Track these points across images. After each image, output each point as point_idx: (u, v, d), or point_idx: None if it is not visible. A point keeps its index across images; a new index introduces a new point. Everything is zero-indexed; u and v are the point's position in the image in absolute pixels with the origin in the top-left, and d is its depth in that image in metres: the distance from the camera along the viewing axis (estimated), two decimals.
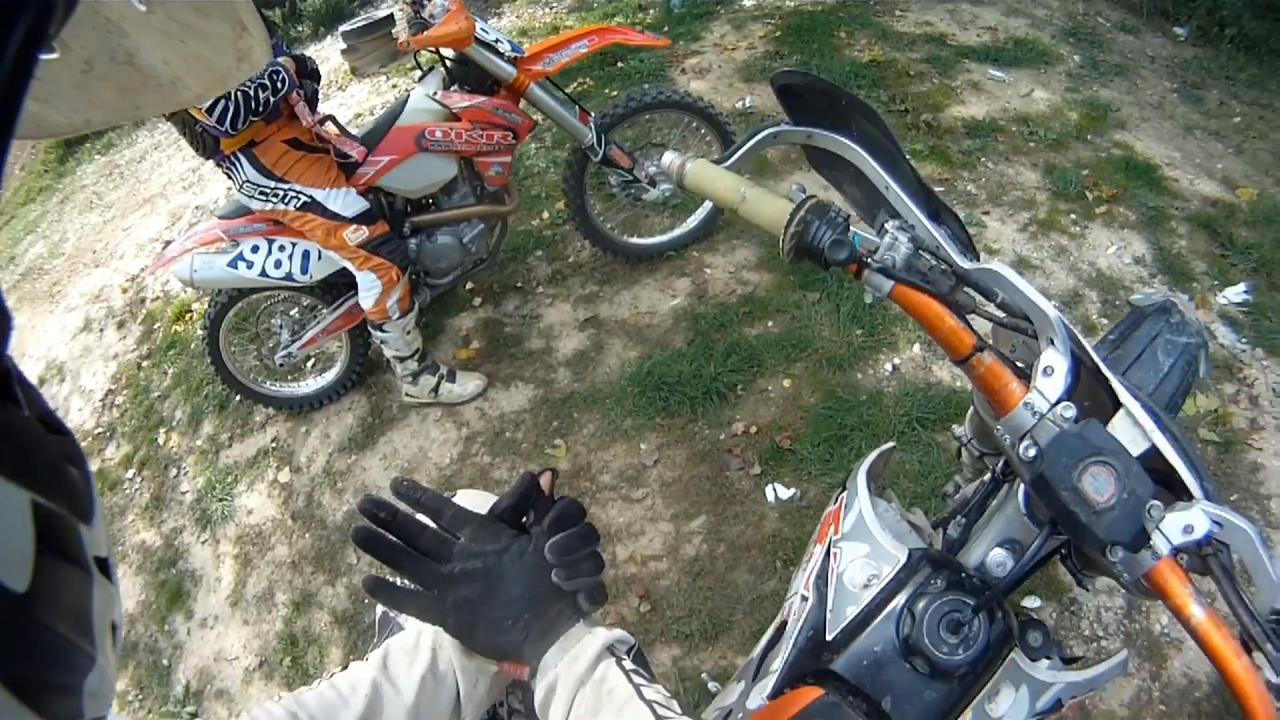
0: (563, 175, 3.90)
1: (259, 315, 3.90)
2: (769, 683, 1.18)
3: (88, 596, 0.35)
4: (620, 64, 5.85)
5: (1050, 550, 1.15)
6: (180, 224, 6.12)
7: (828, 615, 1.16)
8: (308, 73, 3.27)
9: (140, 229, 6.42)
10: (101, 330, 5.49)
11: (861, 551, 1.18)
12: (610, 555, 3.18)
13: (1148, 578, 0.94)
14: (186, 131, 3.10)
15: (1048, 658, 1.12)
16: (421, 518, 0.94)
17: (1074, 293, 3.84)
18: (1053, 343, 0.99)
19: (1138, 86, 5.55)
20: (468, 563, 0.89)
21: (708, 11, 6.51)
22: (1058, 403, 0.97)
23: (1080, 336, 1.00)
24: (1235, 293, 3.85)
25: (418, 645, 0.98)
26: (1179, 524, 0.92)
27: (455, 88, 3.45)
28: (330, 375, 4.08)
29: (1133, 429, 0.97)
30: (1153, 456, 0.96)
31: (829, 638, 1.13)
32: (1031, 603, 2.86)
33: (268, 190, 3.21)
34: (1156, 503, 0.92)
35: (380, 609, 1.31)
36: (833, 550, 1.23)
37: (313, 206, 3.25)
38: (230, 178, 3.26)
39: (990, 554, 1.16)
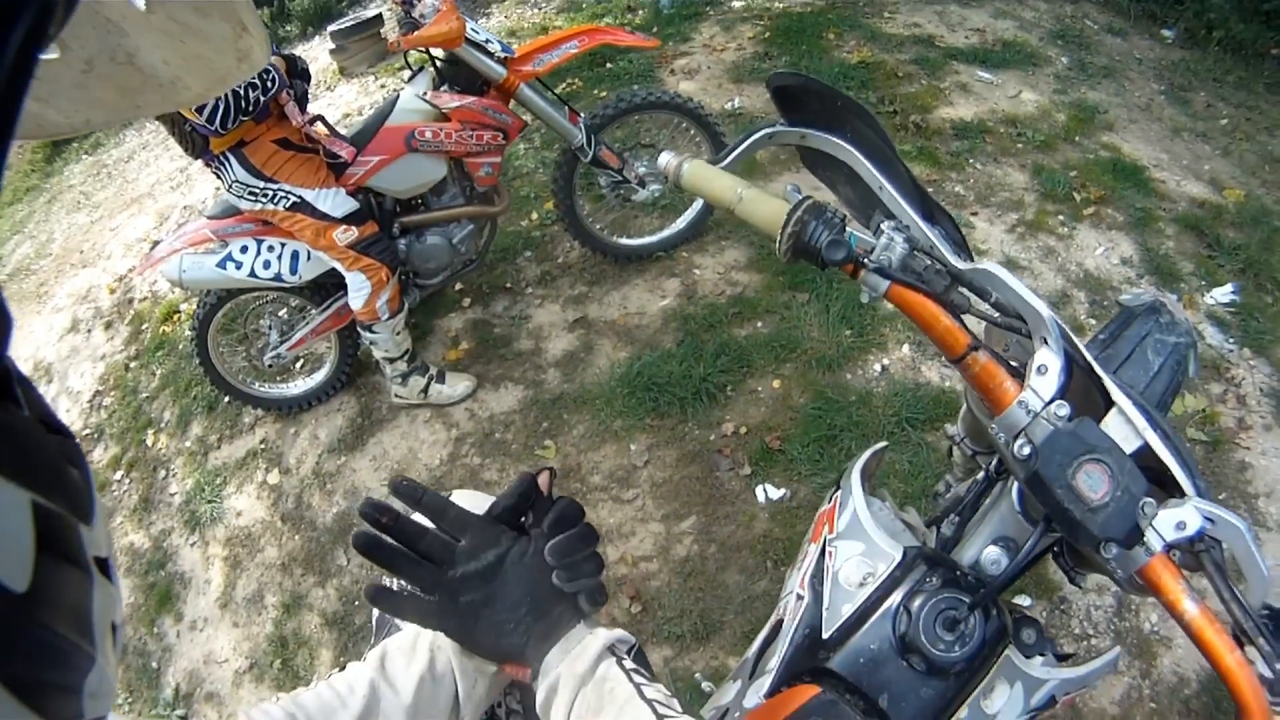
0: (552, 176, 3.89)
1: (248, 316, 3.88)
2: (765, 681, 1.19)
3: (88, 597, 0.35)
4: (609, 65, 5.85)
5: (1044, 548, 1.16)
6: (168, 224, 6.09)
7: (824, 613, 1.16)
8: (298, 72, 3.26)
9: (128, 229, 6.38)
10: (89, 331, 5.46)
11: (857, 550, 1.19)
12: (601, 556, 3.18)
13: (1141, 574, 0.95)
14: (175, 131, 3.08)
15: (1041, 655, 1.12)
16: (419, 518, 0.94)
17: (1062, 293, 3.86)
18: (1046, 342, 0.99)
19: (1125, 88, 5.57)
20: (469, 566, 0.89)
21: (697, 13, 6.51)
22: (1051, 401, 0.97)
23: (1072, 335, 1.01)
24: (1222, 293, 3.88)
25: (415, 646, 0.97)
26: (1172, 520, 0.93)
27: (445, 88, 3.45)
28: (319, 376, 4.06)
29: (1125, 427, 0.98)
30: (1145, 454, 0.97)
31: (825, 636, 1.14)
32: (1022, 601, 2.87)
33: (257, 190, 3.20)
34: (1150, 500, 0.93)
35: (377, 612, 1.31)
36: (828, 549, 1.23)
37: (302, 207, 3.24)
38: (219, 177, 3.24)
39: (984, 552, 1.17)
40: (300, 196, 3.23)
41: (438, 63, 3.49)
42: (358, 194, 3.40)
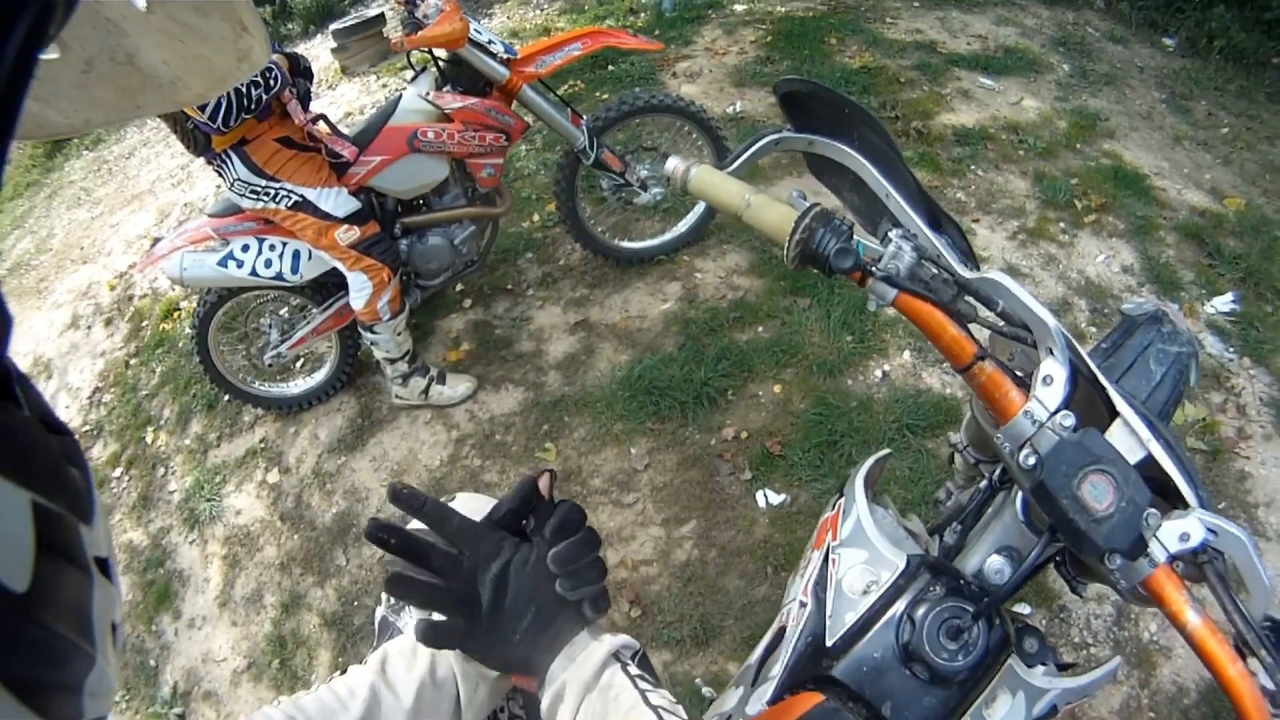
0: (554, 178, 3.89)
1: (248, 314, 3.88)
2: (768, 688, 1.19)
3: (88, 597, 0.35)
4: (611, 67, 5.85)
5: (1046, 557, 1.16)
6: (169, 221, 6.09)
7: (827, 621, 1.16)
8: (300, 71, 3.26)
9: (129, 225, 6.38)
10: (89, 327, 5.46)
11: (860, 558, 1.19)
12: (604, 561, 3.17)
13: (1144, 585, 0.95)
14: (177, 128, 3.08)
15: (1043, 664, 1.12)
16: (415, 524, 0.94)
17: (1063, 301, 3.86)
18: (1052, 352, 0.99)
19: (1126, 96, 5.58)
20: (476, 581, 0.88)
21: (699, 16, 6.51)
22: (1057, 411, 0.98)
23: (1078, 345, 1.01)
24: (1223, 302, 3.88)
25: (417, 649, 0.97)
26: (1175, 532, 0.93)
27: (447, 89, 3.44)
28: (320, 376, 4.06)
29: (1129, 437, 0.98)
30: (1148, 464, 0.97)
31: (829, 644, 1.14)
32: (1022, 609, 2.87)
33: (259, 189, 3.20)
34: (1154, 511, 0.93)
35: (380, 612, 1.31)
36: (831, 556, 1.23)
37: (304, 206, 3.24)
38: (221, 175, 3.24)
39: (988, 561, 1.17)
40: (302, 195, 3.23)
41: (440, 63, 3.49)
42: (359, 194, 3.40)
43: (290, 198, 3.22)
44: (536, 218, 4.72)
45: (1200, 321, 3.80)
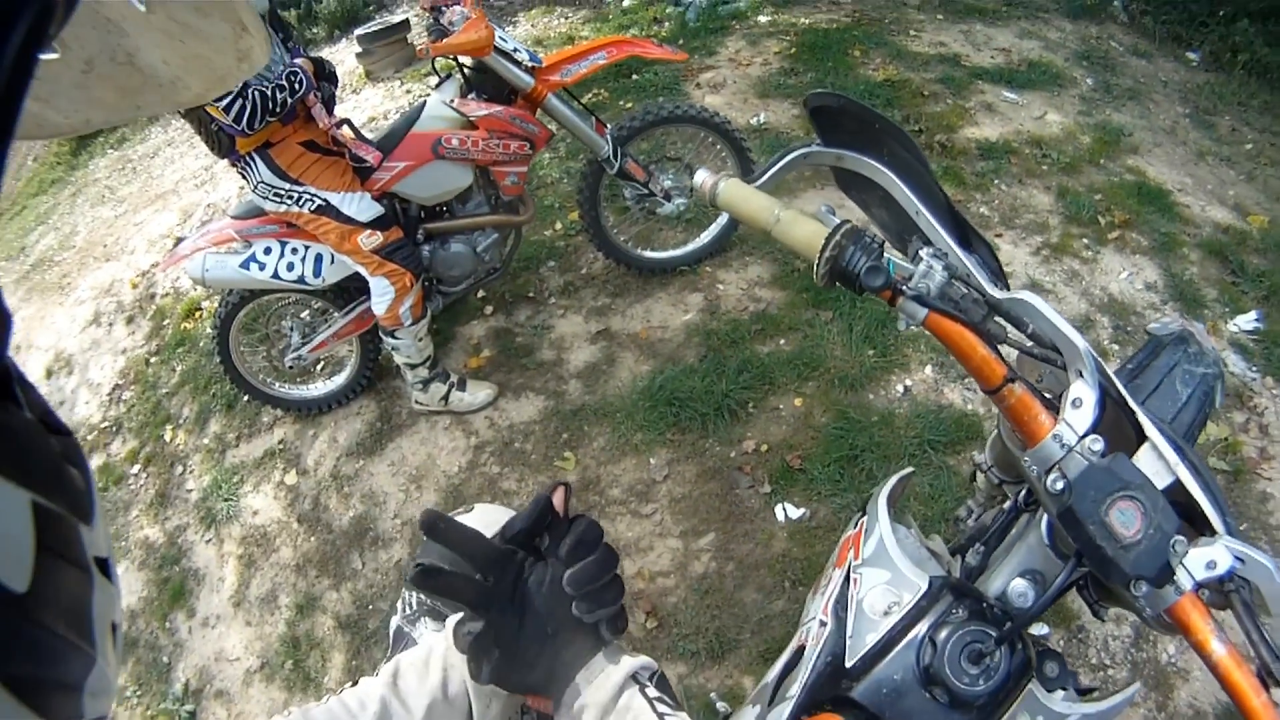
0: (577, 186, 3.90)
1: (270, 316, 3.90)
2: (786, 709, 1.18)
3: (88, 597, 0.35)
4: (635, 76, 5.86)
5: (1071, 581, 1.15)
6: (192, 221, 6.13)
7: (847, 641, 1.15)
8: (325, 75, 3.27)
9: (152, 225, 6.42)
10: (111, 324, 5.49)
11: (882, 578, 1.18)
12: (621, 579, 3.17)
13: (1169, 613, 0.94)
14: (202, 130, 3.10)
15: (1063, 689, 1.11)
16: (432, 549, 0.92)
17: (1086, 318, 3.84)
18: (1081, 375, 0.99)
19: (1150, 111, 5.55)
20: (499, 609, 0.86)
21: (723, 26, 6.52)
22: (1086, 435, 0.97)
23: (1107, 368, 1.00)
24: (1246, 320, 3.85)
25: (429, 663, 0.95)
26: (1202, 559, 0.92)
27: (472, 96, 3.45)
28: (340, 379, 4.08)
29: (1157, 462, 0.97)
30: (1175, 489, 0.96)
31: (848, 664, 1.13)
32: (1039, 630, 2.85)
33: (282, 192, 3.21)
34: (1180, 538, 0.92)
35: (395, 622, 1.30)
36: (852, 576, 1.22)
37: (327, 210, 3.25)
38: (244, 178, 3.25)
39: (1011, 584, 1.16)
40: (325, 200, 3.24)
41: (465, 70, 3.49)
42: (383, 199, 3.41)
43: (313, 201, 3.23)
44: (559, 226, 4.73)
45: (1223, 340, 3.77)
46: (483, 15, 3.28)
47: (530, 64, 3.39)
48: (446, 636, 0.94)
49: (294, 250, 3.45)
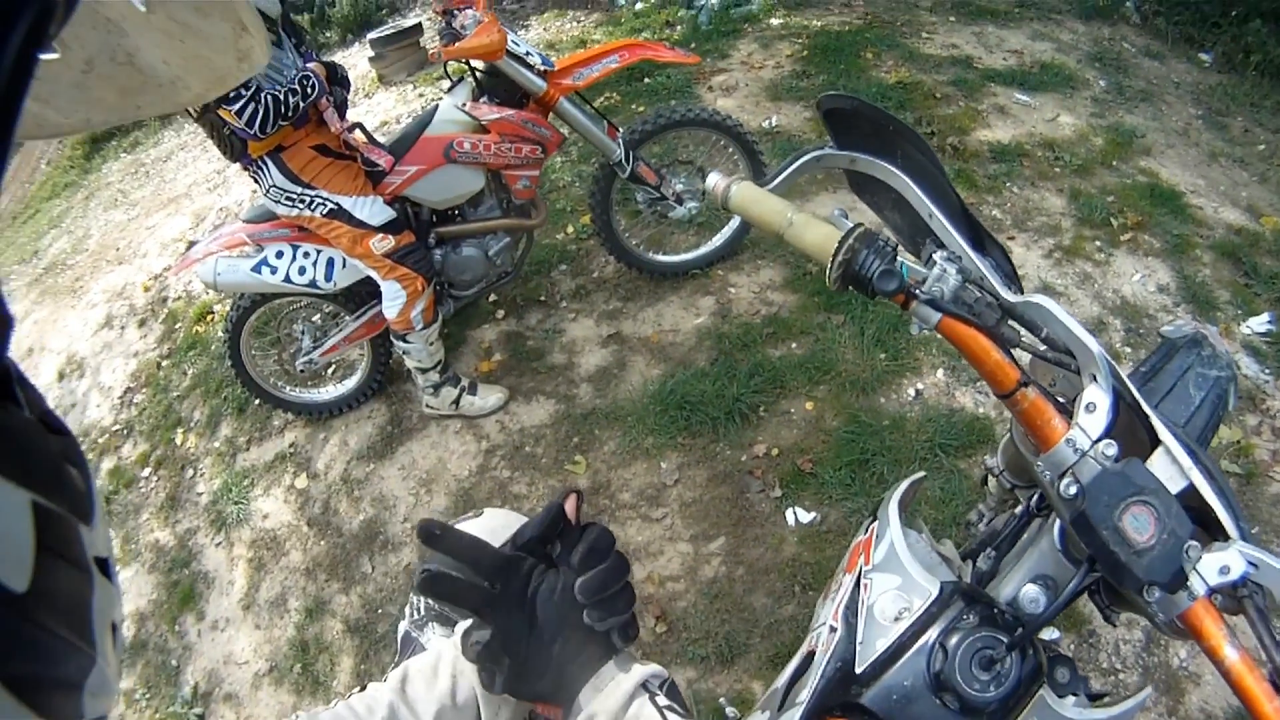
0: (589, 190, 3.90)
1: (281, 320, 3.91)
2: (795, 714, 1.17)
3: (88, 597, 0.35)
4: (647, 79, 5.87)
5: (1083, 587, 1.14)
6: (204, 225, 6.16)
7: (857, 647, 1.14)
8: (338, 79, 3.28)
9: (164, 228, 6.46)
10: (123, 328, 5.52)
11: (893, 584, 1.17)
12: (632, 587, 3.16)
13: (1182, 618, 0.93)
14: (214, 134, 3.11)
15: (1074, 694, 1.10)
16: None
17: (1098, 320, 3.82)
18: (1095, 379, 0.98)
19: (1163, 112, 5.53)
20: (506, 615, 0.86)
21: (735, 29, 6.53)
22: (1099, 440, 0.96)
23: (1121, 372, 0.99)
24: (1259, 322, 3.82)
25: (438, 669, 0.95)
26: (1216, 565, 0.91)
27: (484, 99, 3.45)
28: (351, 383, 4.09)
29: (1171, 466, 0.97)
30: (1189, 494, 0.96)
31: (858, 670, 1.12)
32: (1049, 634, 2.83)
33: (294, 196, 3.22)
34: (1194, 543, 0.91)
35: (403, 627, 1.30)
36: (863, 581, 1.21)
37: (339, 214, 3.26)
38: (256, 182, 3.26)
39: (1023, 590, 1.15)
40: (337, 203, 3.24)
41: (477, 74, 3.50)
42: (395, 203, 3.42)
43: (325, 205, 3.24)
44: (571, 230, 4.73)
45: (1236, 342, 3.75)
46: (495, 19, 3.28)
47: (542, 68, 3.40)
48: (455, 643, 0.94)
49: (306, 254, 3.45)
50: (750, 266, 4.27)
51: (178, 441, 4.49)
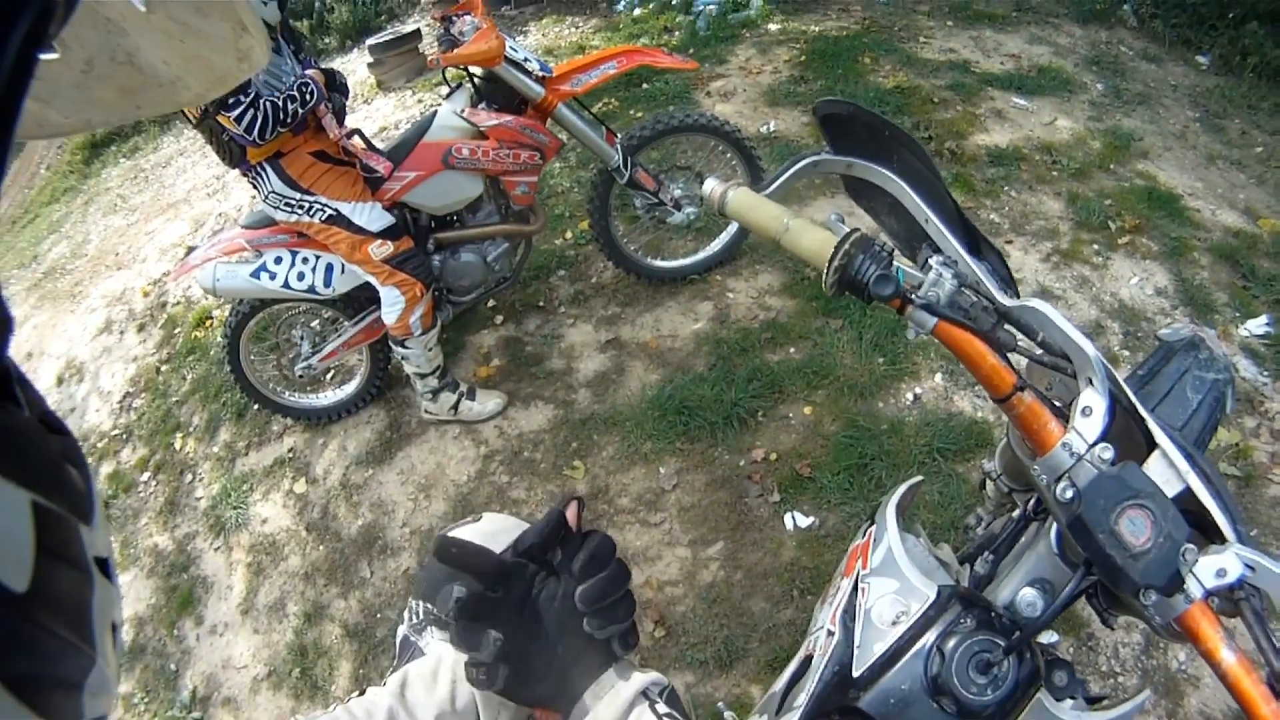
0: (587, 196, 3.90)
1: (280, 326, 3.91)
2: (793, 719, 1.17)
3: (88, 597, 0.35)
4: (645, 85, 5.88)
5: (1080, 590, 1.14)
6: (203, 230, 6.17)
7: (854, 651, 1.14)
8: (336, 86, 3.28)
9: (163, 233, 6.47)
10: (122, 332, 5.53)
11: (890, 588, 1.17)
12: (633, 595, 3.16)
13: (1179, 621, 0.94)
14: (213, 140, 3.11)
15: (1072, 698, 1.10)
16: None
17: (1096, 324, 3.82)
18: (1091, 383, 0.98)
19: (1160, 116, 5.53)
20: (505, 621, 0.85)
21: (733, 35, 6.54)
22: (1095, 443, 0.96)
23: (1117, 376, 0.99)
24: (1257, 325, 3.82)
25: (437, 674, 0.95)
26: (1212, 568, 0.92)
27: (483, 105, 3.46)
28: (349, 388, 4.09)
29: (1167, 470, 0.97)
30: (1185, 497, 0.96)
31: (855, 674, 1.12)
32: (1048, 637, 2.83)
33: (293, 201, 3.22)
34: (1191, 546, 0.92)
35: (401, 631, 1.30)
36: (860, 585, 1.22)
37: (338, 220, 3.26)
38: (255, 187, 3.27)
39: (1020, 593, 1.15)
40: (336, 209, 3.25)
41: (476, 80, 3.50)
42: (393, 209, 3.42)
43: (324, 211, 3.24)
44: (569, 235, 4.74)
45: (1234, 344, 3.75)
46: (493, 25, 3.29)
47: (541, 74, 3.40)
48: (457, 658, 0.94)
49: (305, 260, 3.46)
50: (748, 272, 4.27)
51: (177, 446, 4.49)
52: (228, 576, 3.83)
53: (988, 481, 1.55)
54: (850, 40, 6.17)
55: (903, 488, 1.36)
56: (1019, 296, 1.06)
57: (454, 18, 3.42)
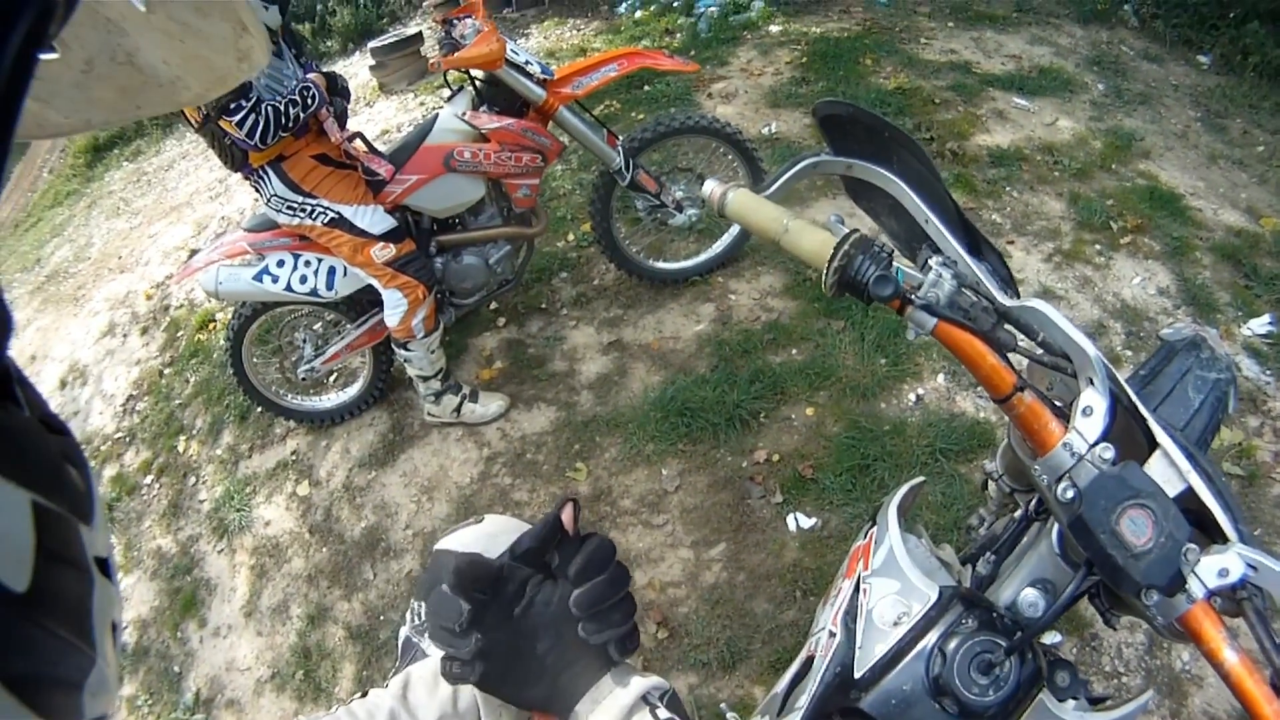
0: (589, 198, 3.90)
1: (283, 328, 3.91)
2: (794, 719, 1.17)
3: (88, 597, 0.36)
4: (647, 87, 5.88)
5: (1082, 591, 1.14)
6: (206, 233, 6.17)
7: (856, 652, 1.14)
8: (338, 90, 3.28)
9: (166, 237, 6.47)
10: (125, 335, 5.53)
11: (892, 588, 1.17)
12: (633, 597, 3.16)
13: (1181, 621, 0.93)
14: (215, 144, 3.11)
15: (1074, 698, 1.10)
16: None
17: (1098, 324, 3.82)
18: (1092, 382, 0.98)
19: (1161, 115, 5.53)
20: (492, 624, 0.84)
21: (734, 37, 6.54)
22: (1096, 443, 0.96)
23: (1118, 375, 0.99)
24: (1259, 324, 3.82)
25: (439, 676, 0.95)
26: (1214, 567, 0.92)
27: (484, 108, 3.46)
28: (352, 391, 4.09)
29: (1168, 469, 0.97)
30: (1187, 496, 0.96)
31: (857, 675, 1.12)
32: (1051, 638, 2.82)
33: (295, 205, 3.23)
34: (1192, 545, 0.92)
35: (404, 633, 1.30)
36: (862, 586, 1.21)
37: (340, 223, 3.27)
38: (258, 191, 3.27)
39: (1022, 594, 1.14)
40: (338, 212, 3.25)
41: (477, 83, 3.50)
42: (395, 212, 3.42)
43: (326, 214, 3.24)
44: (571, 237, 4.74)
45: (1237, 344, 3.75)
46: (494, 28, 3.30)
47: (542, 76, 3.40)
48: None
49: (307, 263, 3.46)
50: (750, 273, 4.28)
51: (180, 449, 4.49)
52: (231, 579, 3.83)
53: (989, 482, 1.54)
54: (851, 42, 6.17)
55: (904, 488, 1.36)
56: (1019, 297, 1.06)
57: (455, 20, 3.42)
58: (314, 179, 3.20)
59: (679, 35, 6.81)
